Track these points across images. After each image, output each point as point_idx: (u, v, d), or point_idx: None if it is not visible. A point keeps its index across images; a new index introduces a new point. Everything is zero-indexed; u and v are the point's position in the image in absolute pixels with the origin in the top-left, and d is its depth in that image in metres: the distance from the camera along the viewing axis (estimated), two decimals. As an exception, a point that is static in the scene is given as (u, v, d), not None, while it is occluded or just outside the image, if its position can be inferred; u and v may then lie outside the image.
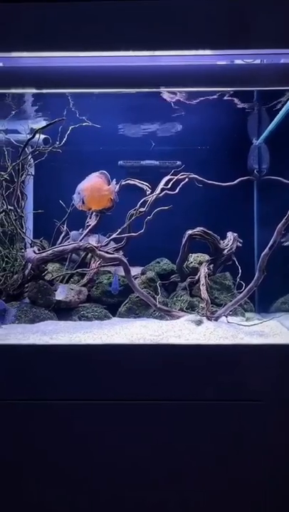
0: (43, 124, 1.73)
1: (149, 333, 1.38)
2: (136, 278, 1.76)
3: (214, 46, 1.30)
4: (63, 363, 1.22)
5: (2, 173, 1.67)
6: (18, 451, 1.20)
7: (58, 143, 1.71)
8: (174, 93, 1.74)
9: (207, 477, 1.18)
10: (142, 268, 1.88)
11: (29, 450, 1.20)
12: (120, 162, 1.99)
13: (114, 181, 1.66)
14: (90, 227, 1.83)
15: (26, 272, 1.69)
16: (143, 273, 1.85)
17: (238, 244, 1.80)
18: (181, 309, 1.63)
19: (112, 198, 1.66)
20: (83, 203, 1.67)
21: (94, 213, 1.81)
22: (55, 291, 1.66)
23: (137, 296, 1.66)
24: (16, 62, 1.42)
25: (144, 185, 1.72)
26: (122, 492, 1.19)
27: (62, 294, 1.63)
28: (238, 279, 1.63)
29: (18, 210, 1.71)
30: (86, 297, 1.77)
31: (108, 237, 1.77)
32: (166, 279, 1.84)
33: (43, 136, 1.75)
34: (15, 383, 1.22)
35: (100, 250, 1.63)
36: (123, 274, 1.58)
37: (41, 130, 1.64)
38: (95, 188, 1.65)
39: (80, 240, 1.72)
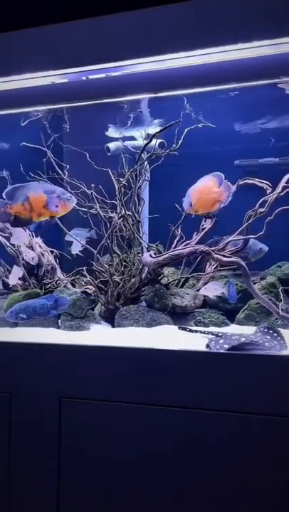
0: (159, 129, 1.73)
1: (273, 342, 1.28)
2: (255, 283, 1.65)
3: None
4: (181, 368, 1.19)
5: (121, 179, 1.72)
6: (139, 453, 1.20)
7: (174, 145, 1.70)
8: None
9: None
10: (261, 272, 1.77)
11: (153, 454, 1.20)
12: (237, 161, 1.91)
13: (226, 183, 1.60)
14: (205, 230, 1.79)
15: (143, 275, 1.71)
16: (262, 278, 1.74)
17: None
18: (308, 318, 1.49)
19: (220, 201, 1.61)
20: (191, 206, 1.65)
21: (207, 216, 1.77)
22: (204, 286, 1.63)
23: (257, 303, 1.56)
24: (130, 69, 1.45)
25: (263, 183, 1.62)
26: None
27: (215, 291, 1.59)
28: None
29: (136, 215, 1.74)
30: (202, 302, 1.73)
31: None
32: (288, 284, 1.70)
33: (158, 141, 1.75)
34: (133, 386, 1.23)
35: (216, 254, 1.58)
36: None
37: (158, 134, 1.65)
38: (203, 190, 1.62)
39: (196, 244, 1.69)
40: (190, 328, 1.50)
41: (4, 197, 1.57)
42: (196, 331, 1.46)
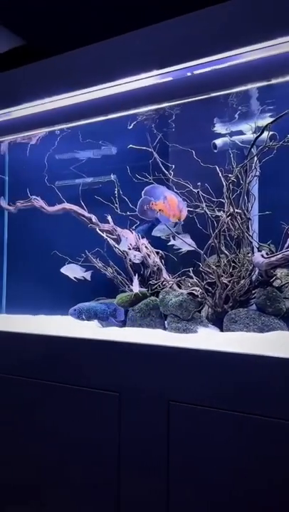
0: (269, 120, 1.61)
1: None
2: None
3: None
4: None
5: (230, 175, 1.63)
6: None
7: (288, 136, 1.57)
8: None
9: None
10: None
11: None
12: None
13: None
14: None
15: (253, 277, 1.61)
16: None
17: None
18: None
19: None
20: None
21: None
22: None
23: None
24: (238, 59, 1.38)
25: None
26: None
27: None
28: None
29: (246, 213, 1.64)
30: None
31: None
32: None
33: (270, 133, 1.64)
34: (246, 395, 1.15)
35: None
36: None
37: (270, 125, 1.53)
38: None
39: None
40: None
41: (143, 195, 1.64)
42: None
